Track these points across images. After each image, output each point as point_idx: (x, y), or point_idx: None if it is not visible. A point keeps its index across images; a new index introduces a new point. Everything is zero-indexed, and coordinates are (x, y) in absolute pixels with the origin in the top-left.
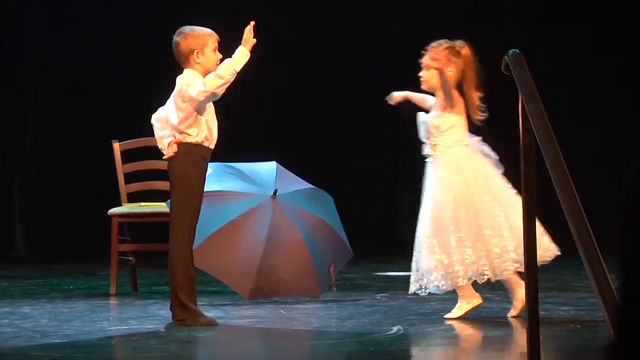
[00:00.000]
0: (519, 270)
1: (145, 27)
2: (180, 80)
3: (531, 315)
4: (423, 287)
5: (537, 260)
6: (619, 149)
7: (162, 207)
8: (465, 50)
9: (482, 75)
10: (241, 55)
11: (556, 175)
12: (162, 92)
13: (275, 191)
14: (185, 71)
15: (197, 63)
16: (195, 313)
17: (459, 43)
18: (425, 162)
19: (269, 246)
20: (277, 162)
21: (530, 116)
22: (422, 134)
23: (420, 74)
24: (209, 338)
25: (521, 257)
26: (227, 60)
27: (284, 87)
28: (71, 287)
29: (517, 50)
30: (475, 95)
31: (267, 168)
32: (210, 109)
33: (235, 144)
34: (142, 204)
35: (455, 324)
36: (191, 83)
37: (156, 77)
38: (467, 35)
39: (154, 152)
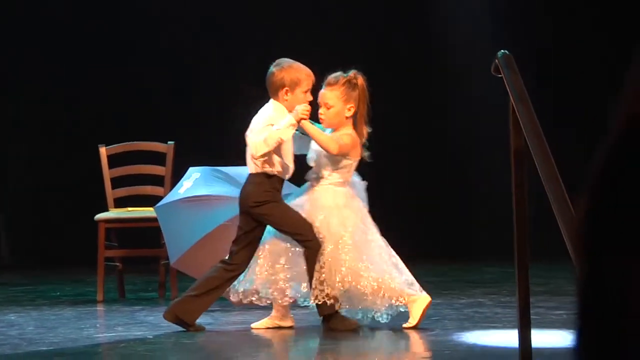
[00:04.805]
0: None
1: (138, 27)
2: (261, 113)
3: (522, 319)
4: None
5: (398, 304)
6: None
7: (149, 212)
8: (360, 81)
9: (370, 108)
10: (289, 127)
11: (546, 176)
12: (150, 96)
13: None
14: (271, 102)
15: (285, 100)
16: (342, 318)
17: (353, 73)
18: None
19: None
20: None
21: (520, 118)
22: (312, 160)
23: (320, 111)
24: (197, 344)
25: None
26: (276, 129)
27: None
28: (57, 293)
29: (507, 52)
30: (365, 132)
31: None
32: (286, 142)
33: (227, 149)
34: (130, 209)
35: (444, 329)
36: (260, 127)
37: (144, 80)
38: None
39: (141, 156)
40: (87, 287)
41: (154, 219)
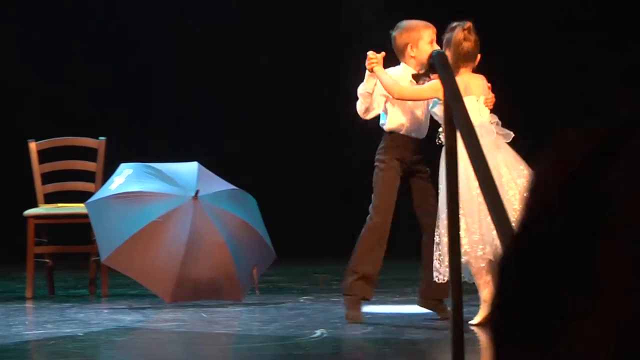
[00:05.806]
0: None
1: (69, 18)
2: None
3: (456, 316)
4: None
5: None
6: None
7: (80, 208)
8: (457, 31)
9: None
10: (367, 78)
11: (480, 174)
12: (83, 92)
13: (197, 192)
14: (402, 65)
15: (412, 57)
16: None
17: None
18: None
19: (189, 248)
20: (199, 162)
21: (454, 116)
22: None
23: None
24: (128, 342)
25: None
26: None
27: (209, 85)
28: None
29: (441, 50)
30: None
31: (189, 168)
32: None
33: (159, 145)
34: (60, 205)
35: (379, 327)
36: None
37: (78, 75)
38: None
39: (72, 152)
40: (16, 283)
41: (85, 215)
